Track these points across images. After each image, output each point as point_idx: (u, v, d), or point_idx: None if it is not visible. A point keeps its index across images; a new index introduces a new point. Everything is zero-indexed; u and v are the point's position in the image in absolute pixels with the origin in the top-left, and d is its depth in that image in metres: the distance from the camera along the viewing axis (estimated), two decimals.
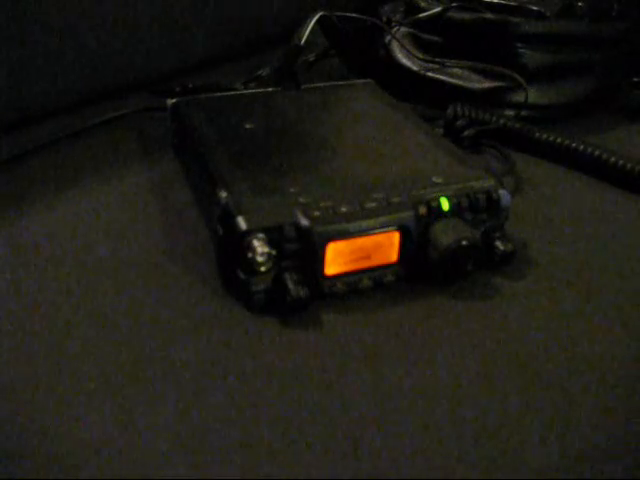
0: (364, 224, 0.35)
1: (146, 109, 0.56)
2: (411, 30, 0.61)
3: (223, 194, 0.36)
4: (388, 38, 0.61)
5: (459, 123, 0.52)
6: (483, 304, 0.37)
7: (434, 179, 0.38)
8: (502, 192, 0.38)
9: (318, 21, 0.52)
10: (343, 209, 0.35)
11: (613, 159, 0.48)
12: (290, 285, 0.34)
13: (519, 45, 0.55)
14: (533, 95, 0.54)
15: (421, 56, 0.59)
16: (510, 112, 0.55)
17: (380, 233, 0.36)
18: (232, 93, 0.53)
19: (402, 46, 0.59)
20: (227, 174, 0.38)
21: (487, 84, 0.56)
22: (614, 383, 0.32)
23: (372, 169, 0.39)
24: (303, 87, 0.51)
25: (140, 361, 0.32)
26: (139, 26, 0.61)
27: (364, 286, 0.37)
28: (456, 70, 0.57)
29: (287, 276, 0.34)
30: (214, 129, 0.44)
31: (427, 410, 0.30)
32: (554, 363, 0.33)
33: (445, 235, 0.36)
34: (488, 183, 0.38)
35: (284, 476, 0.27)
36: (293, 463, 0.28)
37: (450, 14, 0.58)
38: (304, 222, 0.34)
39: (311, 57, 0.66)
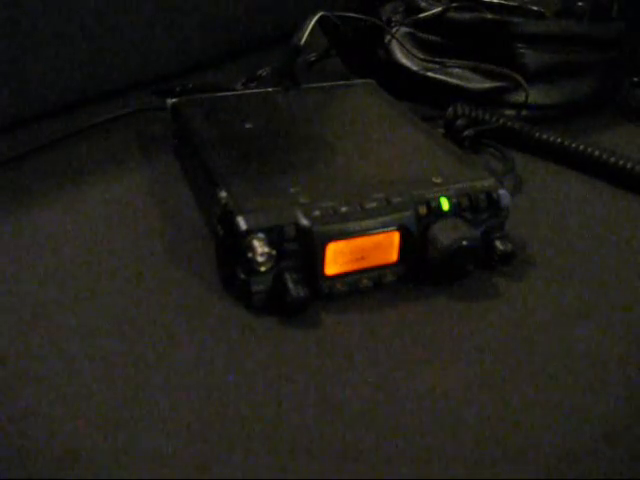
0: (364, 224, 0.35)
1: (146, 109, 0.56)
2: (411, 30, 0.61)
3: (223, 194, 0.36)
4: (388, 38, 0.61)
5: (459, 123, 0.52)
6: (483, 304, 0.37)
7: (434, 179, 0.38)
8: (502, 192, 0.38)
9: (318, 21, 0.51)
10: (343, 209, 0.35)
11: (613, 159, 0.48)
12: (290, 285, 0.34)
13: (519, 45, 0.55)
14: (533, 95, 0.54)
15: (421, 56, 0.59)
16: (510, 112, 0.55)
17: (380, 233, 0.36)
18: (232, 93, 0.53)
19: (402, 46, 0.59)
20: (227, 174, 0.38)
21: (487, 84, 0.56)
22: (615, 383, 0.32)
23: (372, 169, 0.40)
24: (303, 87, 0.51)
25: (140, 361, 0.32)
26: (139, 26, 0.61)
27: (364, 286, 0.37)
28: (456, 70, 0.57)
29: (287, 276, 0.34)
30: (214, 129, 0.44)
31: (427, 410, 0.30)
32: (554, 363, 0.33)
33: (445, 235, 0.36)
34: (488, 183, 0.38)
35: (284, 476, 0.27)
36: (293, 463, 0.28)
37: (450, 14, 0.58)
38: (304, 222, 0.34)
39: (311, 57, 0.66)
